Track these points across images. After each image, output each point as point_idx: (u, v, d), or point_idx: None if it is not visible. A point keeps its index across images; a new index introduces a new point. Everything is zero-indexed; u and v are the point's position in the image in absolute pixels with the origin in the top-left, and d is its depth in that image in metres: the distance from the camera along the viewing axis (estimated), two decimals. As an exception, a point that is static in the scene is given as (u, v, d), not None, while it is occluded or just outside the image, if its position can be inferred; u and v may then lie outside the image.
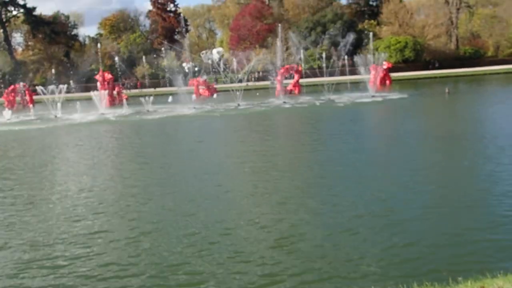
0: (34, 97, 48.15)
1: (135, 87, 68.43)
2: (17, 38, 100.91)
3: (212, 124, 27.40)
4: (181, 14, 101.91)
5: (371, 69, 55.40)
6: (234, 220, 9.49)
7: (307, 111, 30.82)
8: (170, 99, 41.95)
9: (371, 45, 72.65)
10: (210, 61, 78.28)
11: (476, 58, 75.06)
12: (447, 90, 36.76)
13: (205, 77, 59.90)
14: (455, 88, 41.72)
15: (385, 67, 53.95)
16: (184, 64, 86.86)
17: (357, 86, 40.04)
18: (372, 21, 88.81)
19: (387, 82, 52.87)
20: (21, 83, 50.66)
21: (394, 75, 55.73)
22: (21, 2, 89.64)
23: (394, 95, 37.08)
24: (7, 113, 36.60)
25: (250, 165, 14.60)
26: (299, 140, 19.85)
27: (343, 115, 27.70)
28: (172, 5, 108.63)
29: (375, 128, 22.63)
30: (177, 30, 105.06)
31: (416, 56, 73.65)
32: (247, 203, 10.68)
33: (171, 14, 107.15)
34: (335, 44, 74.25)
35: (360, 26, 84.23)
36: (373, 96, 37.02)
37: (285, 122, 27.32)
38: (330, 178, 12.53)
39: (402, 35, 76.61)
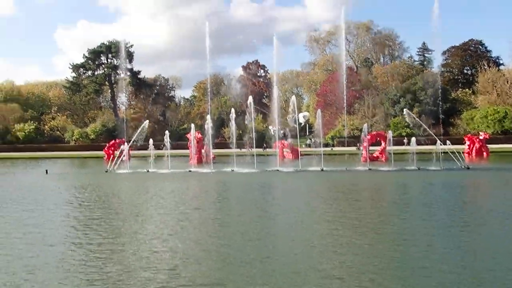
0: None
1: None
2: (122, 97, 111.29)
3: (291, 184, 27.19)
4: (270, 79, 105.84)
5: (467, 139, 52.50)
6: None
7: (393, 179, 29.46)
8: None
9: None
10: (295, 125, 79.20)
11: None
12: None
13: (290, 140, 60.52)
14: None
15: (481, 137, 50.92)
16: (270, 127, 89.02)
17: (449, 156, 37.73)
18: (467, 89, 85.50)
19: (484, 153, 49.53)
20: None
21: (492, 146, 52.13)
22: (129, 66, 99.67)
23: (492, 168, 34.24)
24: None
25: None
26: (384, 208, 18.81)
27: (435, 185, 26.03)
28: (262, 70, 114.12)
29: (469, 202, 20.84)
30: (265, 94, 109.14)
31: (516, 128, 68.89)
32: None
33: (260, 79, 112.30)
34: (425, 112, 72.05)
35: (453, 94, 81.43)
36: (468, 168, 34.67)
37: (371, 190, 26.26)
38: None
39: (500, 105, 72.50)
